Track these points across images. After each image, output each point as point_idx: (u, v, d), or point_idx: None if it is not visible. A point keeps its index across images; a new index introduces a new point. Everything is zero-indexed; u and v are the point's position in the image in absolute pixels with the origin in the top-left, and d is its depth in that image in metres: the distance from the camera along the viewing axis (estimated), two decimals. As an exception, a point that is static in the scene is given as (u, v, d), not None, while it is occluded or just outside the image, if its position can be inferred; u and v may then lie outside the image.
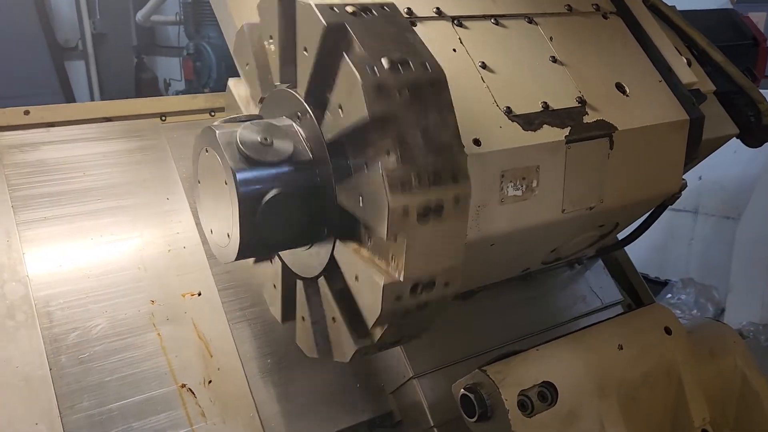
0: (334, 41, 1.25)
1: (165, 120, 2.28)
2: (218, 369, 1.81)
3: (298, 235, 1.41)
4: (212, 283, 1.93)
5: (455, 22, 1.63)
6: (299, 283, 1.58)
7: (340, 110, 1.25)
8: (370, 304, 1.28)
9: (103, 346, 1.73)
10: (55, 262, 1.80)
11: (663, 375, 1.59)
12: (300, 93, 1.39)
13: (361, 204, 1.25)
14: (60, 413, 1.61)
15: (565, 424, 1.49)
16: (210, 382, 1.79)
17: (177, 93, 8.28)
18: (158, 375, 1.75)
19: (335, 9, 1.25)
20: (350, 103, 1.21)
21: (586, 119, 1.63)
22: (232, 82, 1.70)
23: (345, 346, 1.41)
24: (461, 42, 1.60)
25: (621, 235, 2.19)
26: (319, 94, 1.35)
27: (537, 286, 2.11)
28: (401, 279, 1.23)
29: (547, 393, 1.43)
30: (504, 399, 1.38)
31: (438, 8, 1.62)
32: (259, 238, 1.35)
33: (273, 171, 1.33)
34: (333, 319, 1.44)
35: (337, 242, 1.37)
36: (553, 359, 1.48)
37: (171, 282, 1.89)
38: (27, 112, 2.12)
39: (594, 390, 1.47)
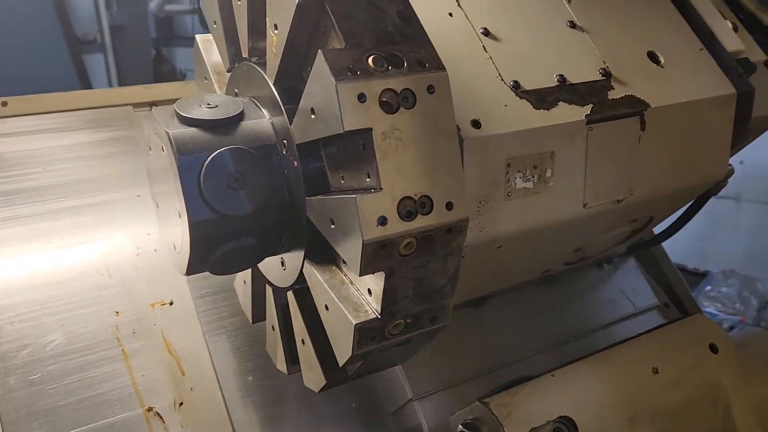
0: (309, 24, 1.01)
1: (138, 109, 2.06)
2: (191, 389, 1.59)
3: (261, 252, 1.18)
4: (186, 290, 1.71)
5: (453, -19, 1.37)
6: (269, 289, 1.35)
7: (311, 113, 1.00)
8: (341, 343, 1.04)
9: (59, 366, 1.52)
10: (6, 270, 1.59)
11: (707, 400, 1.32)
12: (269, 76, 1.14)
13: (332, 227, 1.00)
14: (5, 444, 1.41)
15: (589, 463, 1.23)
16: (181, 404, 1.57)
17: (194, 83, 8.11)
18: (121, 397, 1.53)
19: None
20: (324, 110, 0.96)
21: (612, 95, 1.36)
22: (200, 40, 1.45)
23: (314, 376, 1.18)
24: (459, 5, 1.34)
25: (657, 229, 1.91)
26: (291, 82, 1.11)
27: (559, 290, 1.84)
28: (378, 317, 0.99)
29: (565, 430, 1.17)
30: (510, 440, 1.13)
31: (432, -34, 1.36)
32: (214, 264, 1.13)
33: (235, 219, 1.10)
34: (302, 341, 1.20)
35: (306, 261, 1.13)
36: (573, 387, 1.22)
37: (139, 290, 1.67)
38: (5, 103, 1.93)
39: (623, 423, 1.21)
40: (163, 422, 1.54)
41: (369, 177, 0.95)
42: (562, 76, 1.33)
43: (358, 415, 1.68)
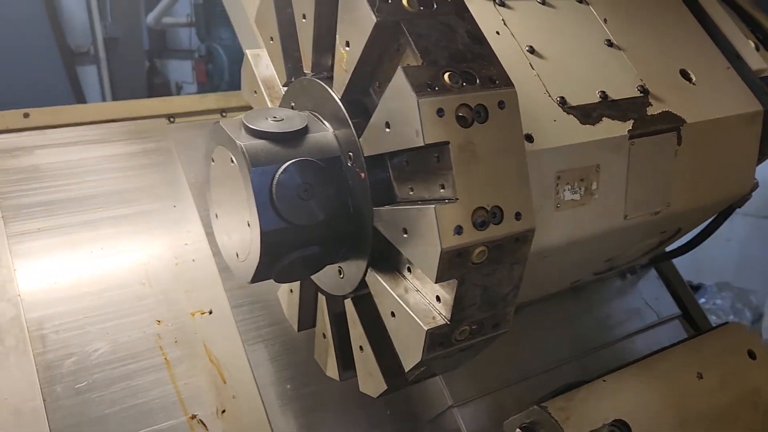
0: (386, 43, 1.05)
1: (173, 121, 2.10)
2: (233, 397, 1.62)
3: (324, 260, 1.21)
4: (224, 299, 1.73)
5: (497, 1, 1.43)
6: (321, 298, 1.38)
7: (386, 127, 1.04)
8: (409, 349, 1.07)
9: (104, 374, 1.54)
10: (49, 279, 1.61)
11: (748, 404, 1.37)
12: (336, 91, 1.17)
13: (405, 236, 1.04)
14: (54, 452, 1.42)
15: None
16: (224, 412, 1.59)
17: (189, 96, 8.13)
18: (166, 405, 1.55)
19: (389, 1, 1.02)
20: (401, 124, 1.00)
21: (650, 111, 1.42)
22: (251, 54, 1.49)
23: (373, 382, 1.21)
24: (505, 24, 1.40)
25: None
26: (359, 98, 1.15)
27: (586, 300, 1.89)
28: (448, 323, 1.03)
29: (620, 433, 1.21)
30: (570, 442, 1.17)
31: (478, -15, 1.41)
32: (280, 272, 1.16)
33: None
34: (360, 348, 1.23)
35: (370, 269, 1.16)
36: (625, 392, 1.26)
37: (179, 299, 1.69)
38: (27, 115, 1.95)
39: (674, 426, 1.25)
40: (207, 430, 1.56)
41: (443, 188, 1.00)
42: (604, 92, 1.38)
43: (395, 423, 1.71)
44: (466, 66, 1.01)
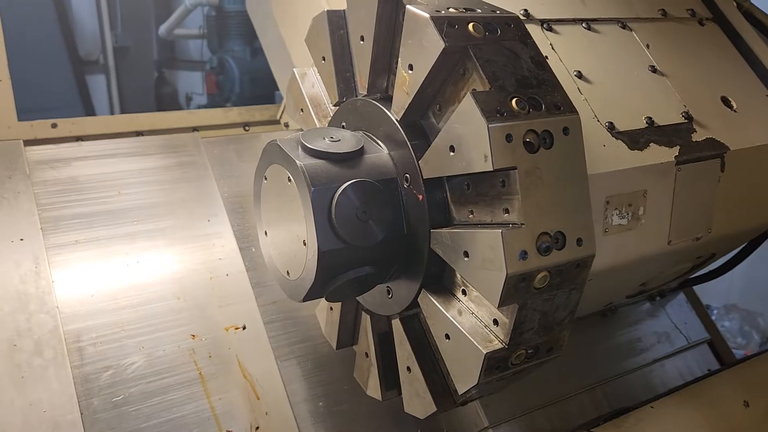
0: (451, 67, 1.06)
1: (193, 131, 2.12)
2: (266, 413, 1.61)
3: (375, 280, 1.21)
4: (258, 315, 1.73)
5: (544, 25, 1.44)
6: (365, 317, 1.38)
7: (450, 151, 1.04)
8: (465, 371, 1.07)
9: (140, 387, 1.53)
10: (86, 291, 1.60)
11: (792, 435, 1.37)
12: (395, 113, 1.18)
13: (466, 259, 1.05)
14: (91, 466, 1.41)
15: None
16: (257, 428, 1.58)
17: (199, 107, 8.16)
18: (200, 420, 1.54)
19: (456, 26, 1.03)
20: (469, 149, 1.00)
21: (695, 137, 1.43)
22: (298, 73, 1.49)
23: (421, 403, 1.21)
24: (553, 48, 1.41)
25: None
26: (418, 121, 1.16)
27: (614, 322, 1.89)
28: (506, 346, 1.03)
29: (669, 460, 1.21)
30: (622, 469, 1.17)
31: (526, 10, 1.43)
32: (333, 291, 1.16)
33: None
34: (408, 368, 1.23)
35: (424, 290, 1.16)
36: (672, 420, 1.26)
37: (213, 314, 1.69)
38: (55, 125, 1.97)
39: (720, 456, 1.26)
40: (242, 446, 1.55)
41: (507, 212, 1.00)
42: (650, 118, 1.39)
43: (428, 443, 1.70)
44: (532, 92, 1.02)
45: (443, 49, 1.01)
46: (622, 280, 1.52)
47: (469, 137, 0.99)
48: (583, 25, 1.50)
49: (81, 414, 1.45)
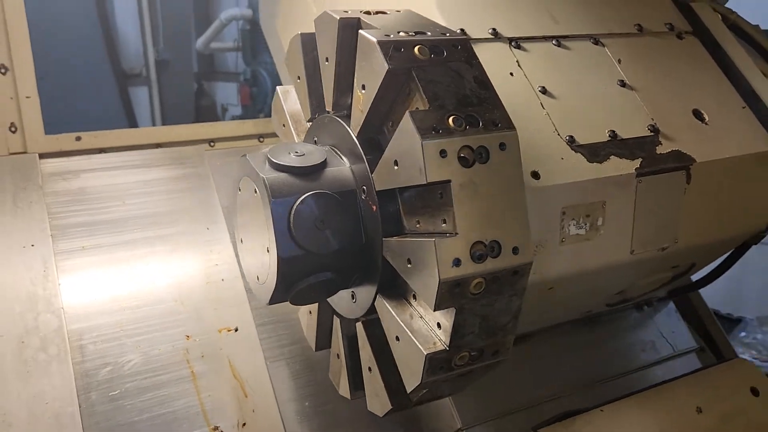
0: (398, 87, 1.14)
1: (213, 146, 2.24)
2: (253, 411, 1.70)
3: (337, 286, 1.30)
4: (250, 318, 1.83)
5: (513, 43, 1.50)
6: (336, 320, 1.46)
7: (395, 165, 1.12)
8: (411, 372, 1.15)
9: (135, 383, 1.65)
10: (90, 294, 1.73)
11: (751, 443, 1.39)
12: (353, 129, 1.27)
13: (409, 266, 1.12)
14: (87, 455, 1.53)
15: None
16: (244, 425, 1.68)
17: (233, 118, 8.41)
18: (190, 416, 1.65)
19: (402, 49, 1.11)
20: (408, 163, 1.08)
21: (660, 150, 1.47)
22: (281, 90, 1.60)
23: (380, 401, 1.28)
24: (519, 65, 1.47)
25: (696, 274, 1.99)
26: (374, 136, 1.24)
27: (600, 330, 1.92)
28: (447, 348, 1.10)
29: (615, 462, 1.25)
30: (564, 468, 1.22)
31: (494, 29, 1.50)
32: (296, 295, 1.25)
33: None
34: (369, 369, 1.31)
35: (379, 296, 1.24)
36: (620, 422, 1.30)
37: (208, 316, 1.80)
38: (79, 138, 2.11)
39: (670, 460, 1.29)
40: (228, 442, 1.65)
41: (445, 222, 1.07)
42: (613, 131, 1.44)
43: (409, 443, 1.77)
44: (472, 110, 1.09)
45: (387, 70, 1.09)
46: (592, 288, 1.56)
47: (408, 152, 1.07)
48: (554, 42, 1.55)
49: (80, 406, 1.57)
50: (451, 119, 1.06)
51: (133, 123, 8.38)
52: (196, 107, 9.41)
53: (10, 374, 1.56)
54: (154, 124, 8.78)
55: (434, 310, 1.06)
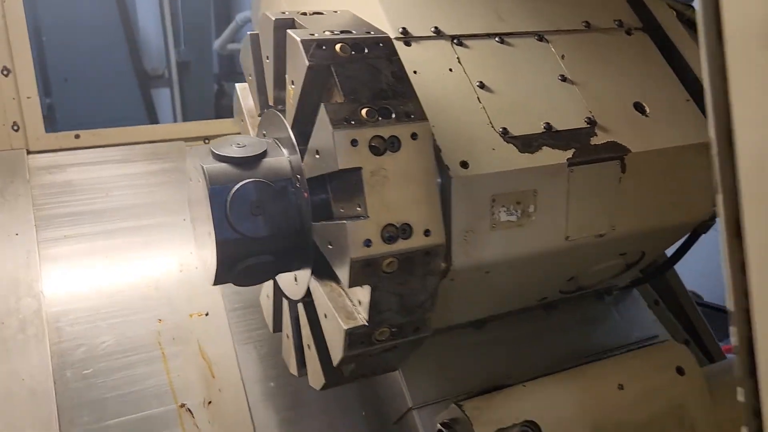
0: (317, 82, 1.23)
1: (209, 143, 2.36)
2: (219, 390, 1.81)
3: (276, 268, 1.39)
4: (221, 304, 1.94)
5: (455, 41, 1.58)
6: (285, 302, 1.55)
7: (316, 154, 1.22)
8: (335, 346, 1.24)
9: (108, 363, 1.77)
10: (70, 280, 1.86)
11: (673, 420, 1.43)
12: (288, 121, 1.36)
13: (330, 247, 1.21)
14: (60, 428, 1.64)
15: (553, 468, 1.36)
16: (210, 403, 1.79)
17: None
18: (158, 394, 1.76)
19: (323, 47, 1.20)
20: (325, 152, 1.17)
21: (594, 141, 1.53)
22: (239, 88, 1.70)
23: (316, 377, 1.37)
24: (459, 61, 1.54)
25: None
26: (304, 128, 1.33)
27: (559, 317, 1.98)
28: (366, 324, 1.18)
29: (531, 433, 1.32)
30: (479, 438, 1.29)
31: (436, 27, 1.57)
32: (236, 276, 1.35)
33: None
34: (308, 346, 1.40)
35: (312, 277, 1.33)
36: (540, 396, 1.37)
37: (180, 302, 1.91)
38: (77, 136, 2.24)
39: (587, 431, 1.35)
40: (193, 417, 1.75)
41: (359, 207, 1.16)
42: (548, 123, 1.50)
43: (367, 423, 1.85)
44: (386, 103, 1.18)
45: (308, 66, 1.18)
46: (536, 274, 1.63)
47: (324, 142, 1.15)
48: (497, 39, 1.62)
49: (54, 383, 1.69)
50: (364, 111, 1.15)
51: (154, 122, 8.60)
52: (216, 107, 9.62)
53: (-9, 352, 1.69)
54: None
55: (348, 287, 1.15)
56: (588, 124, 1.55)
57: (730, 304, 0.70)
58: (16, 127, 2.19)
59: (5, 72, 2.21)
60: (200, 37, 9.19)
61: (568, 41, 1.69)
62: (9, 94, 2.19)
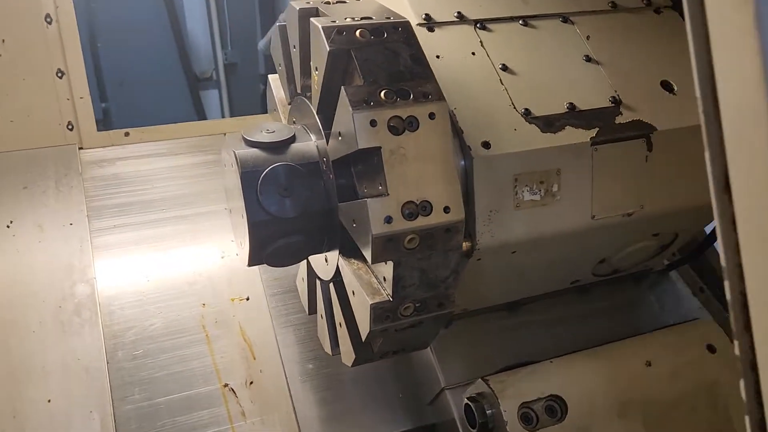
0: (339, 67, 1.28)
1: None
2: (260, 371, 1.89)
3: (307, 249, 1.45)
4: (261, 289, 2.01)
5: (478, 25, 1.61)
6: (318, 282, 1.61)
7: (339, 136, 1.27)
8: (362, 321, 1.29)
9: (156, 345, 1.87)
10: (120, 266, 1.97)
11: (705, 398, 1.42)
12: (314, 107, 1.42)
13: (354, 226, 1.26)
14: (112, 404, 1.75)
15: (576, 441, 1.37)
16: (251, 383, 1.87)
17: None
18: (204, 374, 1.85)
19: (344, 33, 1.25)
20: (346, 133, 1.22)
21: (619, 119, 1.53)
22: (271, 79, 1.77)
23: (348, 354, 1.42)
24: (482, 45, 1.57)
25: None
26: (328, 113, 1.39)
27: (594, 301, 1.98)
28: (390, 299, 1.23)
29: (556, 407, 1.33)
30: (503, 410, 1.31)
31: (459, 12, 1.60)
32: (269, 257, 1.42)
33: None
34: (340, 324, 1.46)
35: (341, 256, 1.39)
36: (566, 372, 1.38)
37: (222, 287, 2.00)
38: (127, 134, 2.37)
39: (613, 408, 1.35)
40: (236, 396, 1.84)
41: (381, 185, 1.20)
42: (572, 104, 1.52)
43: (403, 403, 1.90)
44: (403, 84, 1.22)
45: (329, 51, 1.23)
46: (562, 254, 1.64)
47: (345, 124, 1.21)
48: (520, 22, 1.64)
49: (107, 363, 1.80)
50: (382, 93, 1.20)
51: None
52: (263, 106, 9.82)
53: (50, 333, 1.81)
54: (224, 125, 9.24)
55: (372, 263, 1.20)
56: (612, 103, 1.55)
57: (722, 260, 0.72)
58: (70, 126, 2.33)
59: (59, 74, 2.35)
60: (246, 38, 9.40)
61: (594, 22, 1.70)
62: (63, 94, 2.33)
